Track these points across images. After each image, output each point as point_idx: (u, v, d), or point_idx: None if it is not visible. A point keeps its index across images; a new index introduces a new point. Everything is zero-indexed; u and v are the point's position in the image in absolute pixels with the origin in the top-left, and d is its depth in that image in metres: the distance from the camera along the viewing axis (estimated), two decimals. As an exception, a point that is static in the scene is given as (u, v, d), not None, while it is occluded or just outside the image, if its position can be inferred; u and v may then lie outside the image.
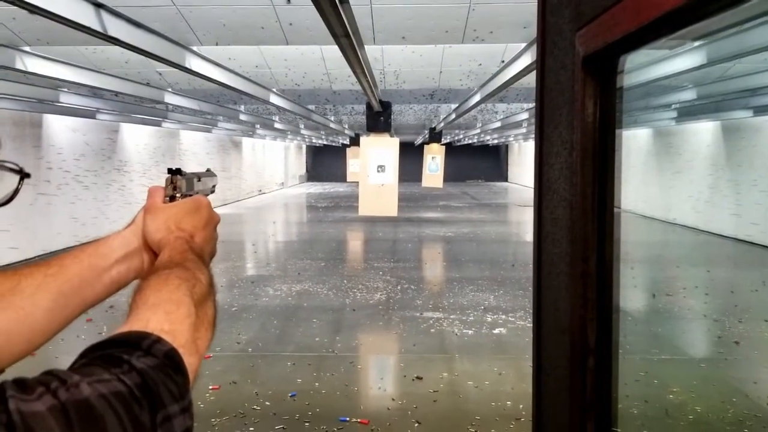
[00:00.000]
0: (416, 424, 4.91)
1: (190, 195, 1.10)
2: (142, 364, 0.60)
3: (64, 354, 6.27)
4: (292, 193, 32.98)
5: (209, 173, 1.24)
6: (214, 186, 1.25)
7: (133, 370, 0.59)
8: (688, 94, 10.17)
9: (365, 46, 5.59)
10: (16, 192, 0.68)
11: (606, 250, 0.82)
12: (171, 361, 0.65)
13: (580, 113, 0.80)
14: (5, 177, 0.67)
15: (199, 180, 1.16)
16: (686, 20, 0.63)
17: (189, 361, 0.69)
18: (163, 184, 1.08)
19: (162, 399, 0.59)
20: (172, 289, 0.79)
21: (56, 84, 8.74)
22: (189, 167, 1.16)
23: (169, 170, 1.09)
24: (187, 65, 6.10)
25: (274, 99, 9.79)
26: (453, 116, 13.81)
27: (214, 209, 1.13)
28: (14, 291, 0.85)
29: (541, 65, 0.94)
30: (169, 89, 9.58)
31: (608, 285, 0.83)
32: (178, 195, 1.08)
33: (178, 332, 0.71)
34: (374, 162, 12.36)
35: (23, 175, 0.68)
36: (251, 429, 4.81)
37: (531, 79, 6.36)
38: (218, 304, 0.89)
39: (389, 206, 12.52)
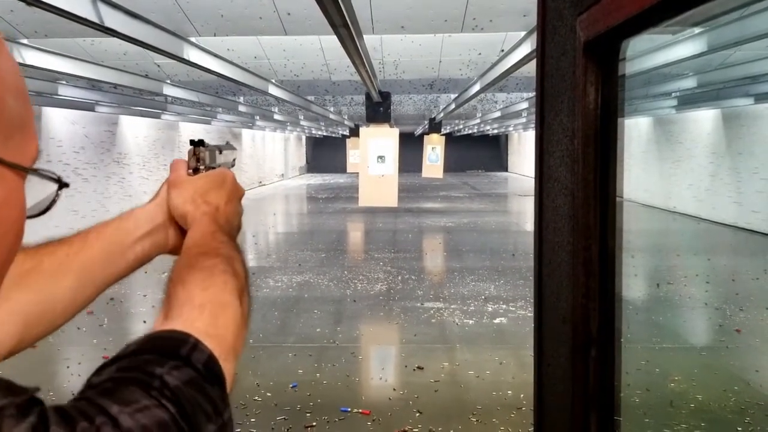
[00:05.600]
0: (417, 414, 4.91)
1: (213, 168, 1.07)
2: (176, 380, 0.57)
3: (65, 345, 6.29)
4: (292, 185, 32.95)
5: (229, 146, 1.21)
6: (234, 159, 1.22)
7: (166, 388, 0.55)
8: (689, 82, 10.14)
9: (364, 36, 5.56)
10: (53, 203, 0.65)
11: (608, 238, 0.81)
12: (209, 372, 0.61)
13: (582, 100, 0.79)
14: (37, 185, 0.64)
15: (220, 152, 1.13)
16: (688, 3, 0.62)
17: (227, 367, 0.66)
18: (168, 171, 1.06)
19: (198, 425, 0.56)
20: (220, 288, 0.76)
21: (55, 76, 8.70)
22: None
23: (192, 142, 1.07)
24: (185, 56, 6.08)
25: (273, 90, 9.76)
26: (453, 106, 13.77)
27: None
28: (35, 271, 0.82)
29: (541, 51, 0.93)
30: (168, 81, 9.55)
31: (610, 274, 0.82)
32: (201, 167, 1.05)
33: (223, 338, 0.69)
34: (374, 153, 12.34)
35: (61, 184, 0.65)
36: (252, 420, 4.82)
37: (531, 68, 6.34)
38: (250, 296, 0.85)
39: (389, 197, 12.51)
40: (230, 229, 0.98)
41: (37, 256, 0.84)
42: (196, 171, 1.05)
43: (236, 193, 1.06)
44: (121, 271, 0.95)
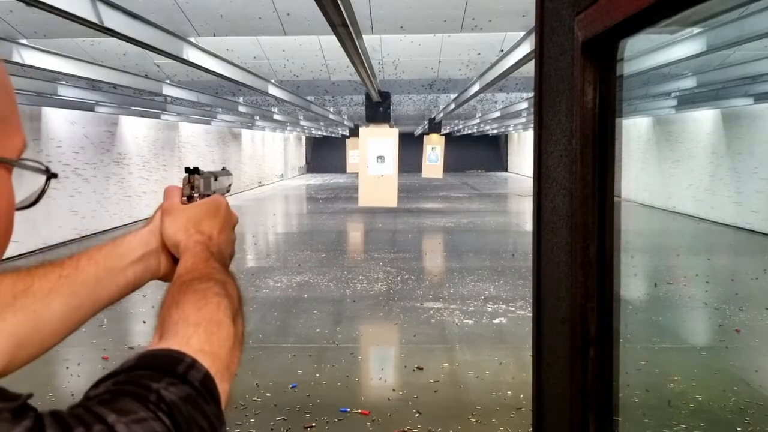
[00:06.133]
0: (417, 414, 4.91)
1: (208, 195, 1.08)
2: (173, 395, 0.57)
3: (63, 346, 6.27)
4: (291, 185, 32.95)
5: (225, 172, 1.22)
6: (230, 185, 1.23)
7: (163, 402, 0.56)
8: (688, 82, 10.14)
9: (363, 36, 5.56)
10: (42, 193, 0.65)
11: (606, 238, 0.81)
12: (205, 389, 0.62)
13: (580, 100, 0.79)
14: (27, 177, 0.65)
15: (216, 179, 1.14)
16: (685, 3, 0.62)
17: (223, 387, 0.67)
18: (175, 183, 1.07)
19: None
20: (214, 308, 0.76)
21: (54, 77, 8.71)
22: (188, 160, 1.14)
23: (187, 169, 1.07)
24: (184, 57, 6.08)
25: (273, 90, 9.76)
26: (452, 106, 13.78)
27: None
28: (27, 293, 0.82)
29: (539, 51, 0.93)
30: (168, 81, 9.54)
31: (609, 274, 0.82)
32: (196, 195, 1.06)
33: (217, 356, 0.69)
34: (374, 153, 12.34)
35: (50, 175, 0.64)
36: (252, 420, 4.82)
37: (530, 68, 6.33)
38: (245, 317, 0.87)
39: (389, 197, 12.51)
40: (222, 258, 0.99)
41: (29, 278, 0.84)
42: (190, 198, 1.05)
43: (229, 221, 1.06)
44: (112, 295, 0.95)
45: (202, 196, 1.06)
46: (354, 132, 22.31)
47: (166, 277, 1.00)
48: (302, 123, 23.19)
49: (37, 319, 0.83)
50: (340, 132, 33.38)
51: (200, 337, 0.70)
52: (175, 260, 0.98)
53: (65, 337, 0.89)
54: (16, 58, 6.19)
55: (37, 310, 0.83)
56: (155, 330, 0.75)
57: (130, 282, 0.97)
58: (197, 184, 1.07)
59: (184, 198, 1.05)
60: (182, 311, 0.75)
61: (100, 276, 0.93)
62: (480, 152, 44.88)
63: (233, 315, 0.79)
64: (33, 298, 0.83)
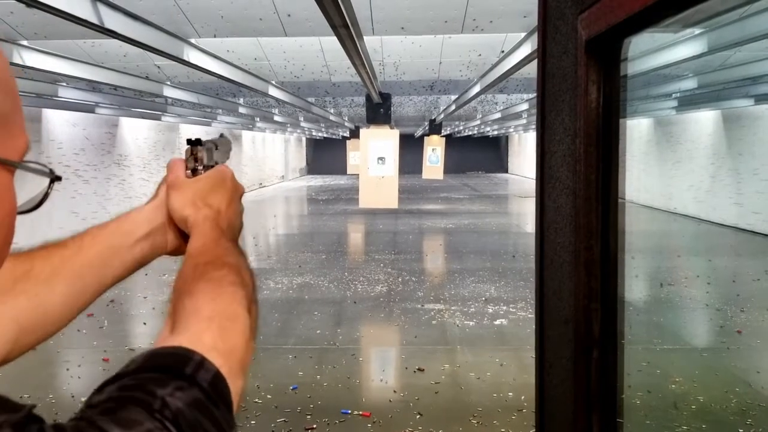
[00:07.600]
0: (418, 416, 4.90)
1: (212, 166, 1.04)
2: (179, 402, 0.55)
3: (64, 347, 6.28)
4: (292, 186, 32.95)
5: (224, 138, 1.18)
6: (229, 151, 1.18)
7: (168, 410, 0.54)
8: (689, 83, 10.14)
9: (364, 37, 5.56)
10: (45, 197, 0.61)
11: (610, 239, 0.80)
12: (214, 390, 0.60)
13: (583, 99, 0.78)
14: (30, 180, 0.63)
15: (217, 148, 1.10)
16: (688, 1, 0.61)
17: (236, 384, 0.65)
18: (173, 165, 1.03)
19: None
20: (228, 300, 0.74)
21: (55, 78, 8.70)
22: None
23: (189, 141, 1.03)
24: (185, 58, 6.08)
25: (273, 91, 9.76)
26: (453, 107, 13.78)
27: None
28: (28, 276, 0.80)
29: (542, 50, 0.92)
30: (168, 82, 9.55)
31: (612, 274, 0.81)
32: (200, 167, 1.02)
33: (231, 352, 0.67)
34: (374, 154, 12.35)
35: (53, 178, 0.62)
36: (252, 422, 4.81)
37: (531, 69, 6.33)
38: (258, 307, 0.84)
39: (390, 198, 12.52)
40: (232, 231, 0.96)
41: (29, 261, 0.82)
42: (194, 171, 1.02)
43: (236, 192, 1.03)
44: (118, 274, 0.93)
45: (206, 168, 1.03)
46: (354, 133, 22.35)
47: (174, 253, 0.98)
48: (303, 124, 23.21)
49: (40, 303, 0.81)
50: (340, 133, 33.41)
51: (213, 333, 0.68)
52: (182, 235, 0.96)
53: (72, 319, 0.88)
54: (16, 60, 6.19)
55: (40, 293, 0.81)
56: (167, 317, 0.73)
57: (137, 259, 0.95)
58: (201, 156, 1.03)
59: (189, 171, 1.02)
60: (195, 302, 0.73)
61: (105, 255, 0.91)
62: (480, 153, 44.87)
63: (248, 303, 0.77)
64: (35, 281, 0.81)
